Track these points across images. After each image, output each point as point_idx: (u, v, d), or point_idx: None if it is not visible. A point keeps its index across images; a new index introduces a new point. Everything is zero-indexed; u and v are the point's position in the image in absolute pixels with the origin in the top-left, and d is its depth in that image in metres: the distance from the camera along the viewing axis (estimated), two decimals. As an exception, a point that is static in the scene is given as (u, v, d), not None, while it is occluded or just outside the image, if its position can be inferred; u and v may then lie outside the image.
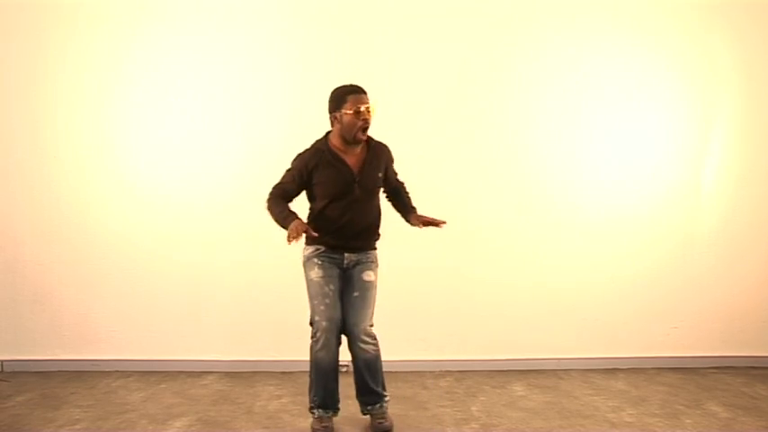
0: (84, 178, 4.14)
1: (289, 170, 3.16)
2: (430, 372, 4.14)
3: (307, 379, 3.14)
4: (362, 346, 3.09)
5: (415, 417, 3.38)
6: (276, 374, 4.09)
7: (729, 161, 4.35)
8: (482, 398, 3.71)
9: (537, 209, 4.27)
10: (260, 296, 4.18)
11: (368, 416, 3.22)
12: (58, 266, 4.16)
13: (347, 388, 3.26)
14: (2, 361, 4.17)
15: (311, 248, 3.17)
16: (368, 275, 3.16)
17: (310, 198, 3.20)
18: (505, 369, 4.22)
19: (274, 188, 3.14)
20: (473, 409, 3.53)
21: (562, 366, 4.25)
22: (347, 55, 4.14)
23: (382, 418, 3.19)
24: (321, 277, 3.10)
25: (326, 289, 3.08)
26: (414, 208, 3.32)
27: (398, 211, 3.35)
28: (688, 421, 3.36)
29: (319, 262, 3.13)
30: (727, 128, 4.34)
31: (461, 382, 3.99)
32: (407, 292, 4.10)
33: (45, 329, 4.17)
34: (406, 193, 3.38)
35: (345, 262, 3.16)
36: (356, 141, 3.09)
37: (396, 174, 3.35)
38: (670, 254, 4.34)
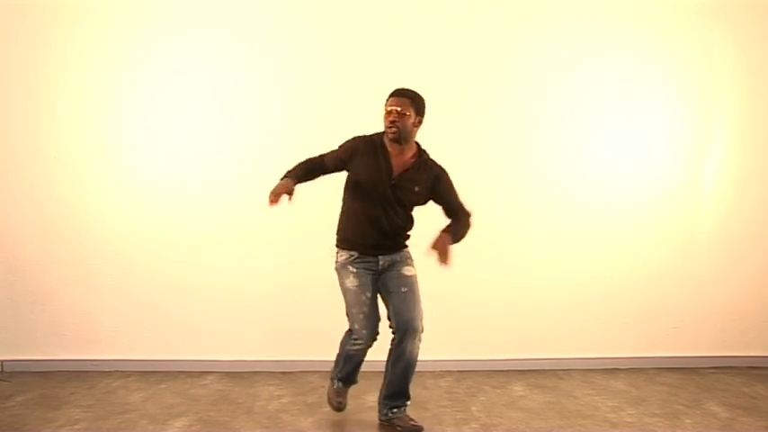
0: (84, 178, 4.14)
1: (338, 146, 3.14)
2: (430, 372, 4.13)
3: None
4: (417, 343, 3.07)
5: (416, 417, 3.35)
6: (276, 374, 4.09)
7: (729, 161, 4.36)
8: (482, 398, 3.71)
9: (537, 209, 4.27)
10: (260, 296, 4.18)
11: (388, 420, 3.18)
12: (58, 266, 4.15)
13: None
14: (2, 361, 4.17)
15: (345, 254, 3.14)
16: (408, 270, 3.14)
17: (345, 188, 3.16)
18: (505, 369, 4.22)
19: (314, 156, 3.14)
20: (473, 409, 3.53)
21: (562, 366, 4.25)
22: (347, 55, 4.14)
23: (411, 418, 3.19)
24: (356, 286, 3.08)
25: (363, 297, 3.08)
26: (454, 235, 3.01)
27: None
28: (688, 421, 3.37)
29: (354, 270, 3.10)
30: (727, 128, 4.35)
31: (461, 382, 3.99)
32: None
33: (45, 329, 4.16)
34: (464, 224, 3.12)
35: (381, 264, 3.12)
36: (389, 138, 3.06)
37: (459, 202, 3.16)
38: (670, 254, 4.35)
